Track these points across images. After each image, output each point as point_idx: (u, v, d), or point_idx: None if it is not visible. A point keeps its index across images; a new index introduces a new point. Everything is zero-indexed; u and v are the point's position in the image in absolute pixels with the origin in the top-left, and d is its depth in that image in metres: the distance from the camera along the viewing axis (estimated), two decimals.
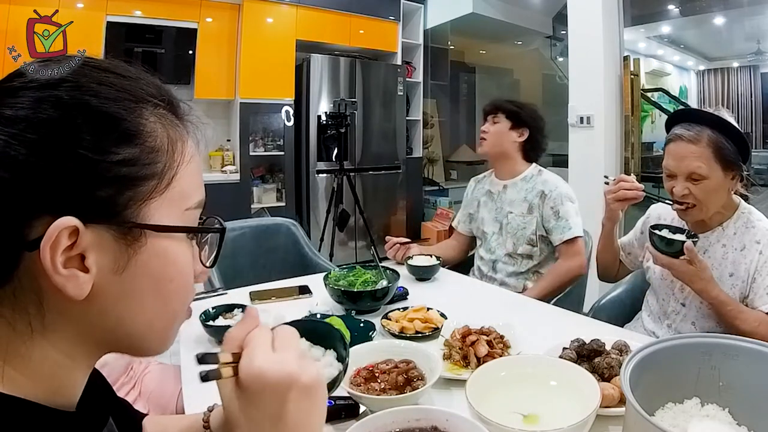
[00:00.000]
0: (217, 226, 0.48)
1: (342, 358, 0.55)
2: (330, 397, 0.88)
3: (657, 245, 1.24)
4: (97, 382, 0.47)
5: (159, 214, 0.41)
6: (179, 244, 0.43)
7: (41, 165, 0.36)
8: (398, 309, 1.33)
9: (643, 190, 1.35)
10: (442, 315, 1.29)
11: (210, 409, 0.65)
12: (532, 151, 1.90)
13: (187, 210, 0.44)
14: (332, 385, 0.53)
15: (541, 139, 1.92)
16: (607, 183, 1.41)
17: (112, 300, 0.40)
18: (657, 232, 1.26)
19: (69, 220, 0.36)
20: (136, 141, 0.39)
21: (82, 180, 0.37)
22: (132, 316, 0.41)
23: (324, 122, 4.01)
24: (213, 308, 1.26)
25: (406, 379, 0.92)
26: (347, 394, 0.87)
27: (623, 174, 1.38)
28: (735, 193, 1.27)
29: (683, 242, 1.19)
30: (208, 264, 0.48)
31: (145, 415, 0.66)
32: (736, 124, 1.21)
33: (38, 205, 0.36)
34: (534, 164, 1.92)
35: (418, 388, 0.89)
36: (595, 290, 2.13)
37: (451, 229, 2.14)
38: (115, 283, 0.39)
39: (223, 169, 4.04)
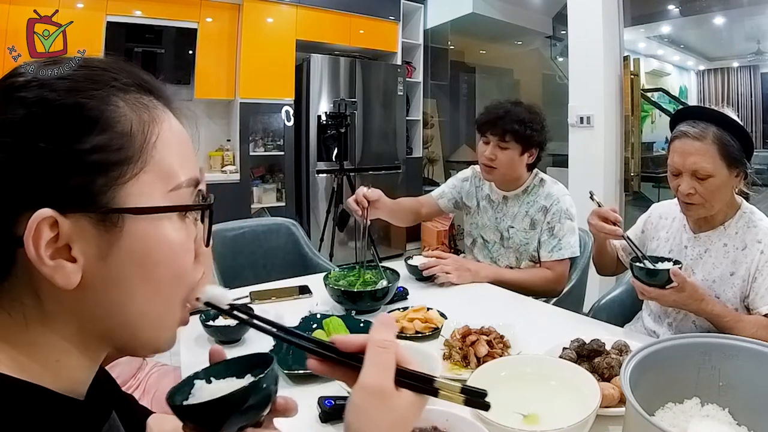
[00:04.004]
0: (201, 202, 0.47)
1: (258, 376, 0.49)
2: (330, 397, 0.88)
3: (641, 278, 1.21)
4: (101, 379, 0.48)
5: (137, 197, 0.41)
6: (166, 226, 0.43)
7: (17, 165, 0.37)
8: (398, 309, 1.33)
9: (622, 236, 1.30)
10: (442, 315, 1.29)
11: None
12: (536, 162, 1.78)
13: (172, 191, 0.43)
14: (239, 399, 0.46)
15: (546, 148, 1.78)
16: (591, 198, 1.37)
17: (102, 287, 0.40)
18: (638, 264, 1.23)
19: (44, 212, 0.37)
20: (102, 128, 0.40)
21: (53, 172, 0.38)
22: (122, 303, 0.42)
23: (324, 122, 4.01)
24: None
25: None
26: (347, 394, 0.87)
27: (605, 211, 1.31)
28: (737, 192, 1.27)
29: (668, 270, 1.15)
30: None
31: (151, 412, 0.66)
32: (740, 122, 1.21)
33: (20, 203, 0.37)
34: (534, 171, 1.82)
35: None
36: (595, 290, 2.14)
37: (452, 228, 2.10)
38: (102, 270, 0.40)
39: (223, 169, 4.04)
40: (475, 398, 0.47)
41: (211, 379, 0.50)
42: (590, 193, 1.39)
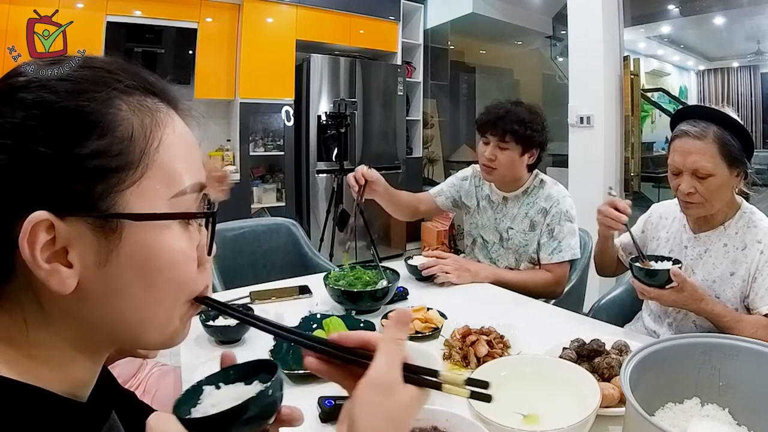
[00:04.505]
0: (206, 208, 0.46)
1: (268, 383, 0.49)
2: (330, 397, 0.88)
3: (640, 278, 1.21)
4: (102, 377, 0.48)
5: (138, 203, 0.40)
6: (168, 232, 0.42)
7: (17, 167, 0.37)
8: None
9: (625, 224, 1.32)
10: (442, 315, 1.29)
11: None
12: (537, 162, 1.77)
13: (175, 197, 0.42)
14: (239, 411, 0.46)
15: (546, 148, 1.77)
16: (610, 194, 1.37)
17: (100, 294, 0.40)
18: (637, 264, 1.23)
19: (40, 215, 0.36)
20: (101, 132, 0.39)
21: (52, 176, 0.37)
22: (123, 310, 0.41)
23: (324, 122, 4.01)
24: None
25: None
26: (347, 394, 0.87)
27: (618, 200, 1.33)
28: (737, 192, 1.27)
29: (668, 270, 1.15)
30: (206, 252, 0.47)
31: (151, 410, 0.66)
32: (740, 122, 1.21)
33: (19, 205, 0.37)
34: (534, 172, 1.80)
35: None
36: (595, 290, 2.14)
37: (452, 228, 2.10)
38: (101, 277, 0.39)
39: (223, 168, 4.04)
40: (479, 389, 0.47)
41: (220, 384, 0.50)
42: (609, 188, 1.42)
